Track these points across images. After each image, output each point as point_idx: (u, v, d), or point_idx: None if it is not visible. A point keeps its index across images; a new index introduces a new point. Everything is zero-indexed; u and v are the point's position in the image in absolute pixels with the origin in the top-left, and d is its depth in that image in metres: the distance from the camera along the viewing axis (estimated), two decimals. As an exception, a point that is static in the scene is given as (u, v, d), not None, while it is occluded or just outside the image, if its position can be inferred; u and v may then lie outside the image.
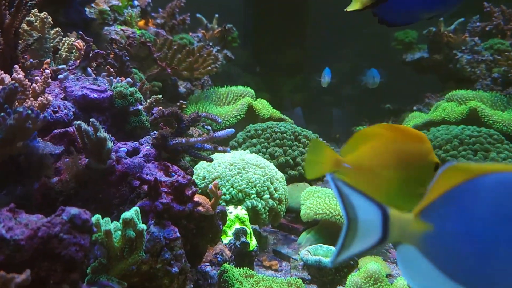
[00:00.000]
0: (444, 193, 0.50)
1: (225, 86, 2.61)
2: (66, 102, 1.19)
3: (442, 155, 1.94)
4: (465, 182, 0.49)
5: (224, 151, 1.11)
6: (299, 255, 1.43)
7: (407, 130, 0.82)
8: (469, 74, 2.57)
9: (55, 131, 1.02)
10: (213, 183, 1.03)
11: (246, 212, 1.48)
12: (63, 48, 1.48)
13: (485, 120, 2.13)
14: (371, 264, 1.27)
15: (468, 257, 0.48)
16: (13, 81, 0.84)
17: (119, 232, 0.78)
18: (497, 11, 2.75)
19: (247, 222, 1.46)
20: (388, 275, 1.47)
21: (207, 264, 1.26)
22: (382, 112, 3.52)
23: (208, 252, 1.29)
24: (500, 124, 2.11)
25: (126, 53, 1.71)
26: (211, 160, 1.12)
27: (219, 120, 1.16)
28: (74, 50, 1.50)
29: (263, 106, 2.40)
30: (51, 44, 1.47)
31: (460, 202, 0.49)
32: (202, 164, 1.72)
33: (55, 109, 1.13)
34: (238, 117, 2.28)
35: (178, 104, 2.14)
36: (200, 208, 0.99)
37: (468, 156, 1.89)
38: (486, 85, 2.50)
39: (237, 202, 1.60)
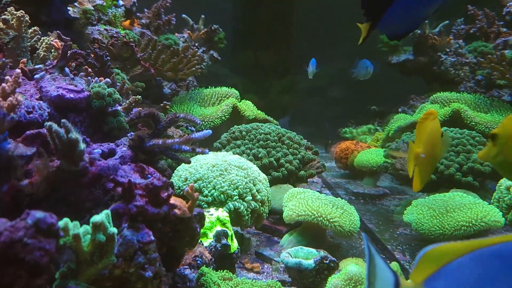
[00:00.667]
0: (443, 267, 0.54)
1: (210, 87, 2.60)
2: (41, 102, 1.17)
3: (425, 156, 1.94)
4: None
5: (203, 153, 1.09)
6: (280, 257, 1.42)
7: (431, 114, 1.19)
8: (453, 76, 2.58)
9: (27, 132, 1.00)
10: (189, 185, 1.02)
11: (228, 214, 1.47)
12: (41, 48, 1.45)
13: (468, 122, 2.14)
14: (351, 266, 1.26)
15: None
16: (-20, 81, 0.82)
17: (89, 236, 0.76)
18: (481, 14, 2.77)
19: (228, 224, 1.45)
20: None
21: (186, 267, 1.25)
22: (367, 113, 3.53)
23: (188, 255, 1.28)
24: (482, 126, 2.12)
25: (107, 53, 1.69)
26: (188, 162, 1.10)
27: (198, 121, 1.14)
28: (52, 50, 1.47)
29: (248, 107, 2.39)
30: (29, 43, 1.44)
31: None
32: (184, 165, 1.70)
33: (29, 110, 1.11)
34: (223, 118, 2.27)
35: (161, 105, 2.12)
36: (176, 210, 0.97)
37: (451, 157, 1.90)
38: (469, 87, 2.52)
39: (219, 204, 1.58)
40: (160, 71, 2.24)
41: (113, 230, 0.76)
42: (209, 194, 1.59)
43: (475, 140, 1.94)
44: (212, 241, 1.39)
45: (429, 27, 2.95)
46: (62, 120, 0.88)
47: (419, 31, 2.91)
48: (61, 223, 0.72)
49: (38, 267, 0.65)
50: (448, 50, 2.72)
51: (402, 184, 2.34)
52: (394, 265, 1.08)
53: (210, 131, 1.02)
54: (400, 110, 2.95)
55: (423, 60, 2.90)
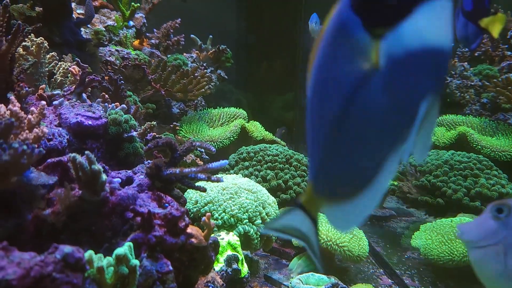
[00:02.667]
0: None
1: (218, 107, 2.63)
2: (60, 129, 1.20)
3: (432, 180, 1.96)
4: None
5: (218, 181, 1.12)
6: (290, 282, 1.43)
7: None
8: (459, 99, 2.61)
9: (49, 160, 1.02)
10: (206, 215, 1.04)
11: (238, 238, 1.49)
12: (58, 73, 1.48)
13: (474, 145, 2.16)
14: (362, 293, 1.27)
15: None
16: (8, 115, 0.84)
17: (112, 268, 0.78)
18: (485, 38, 2.81)
19: (239, 249, 1.46)
20: (379, 304, 1.47)
21: (199, 292, 1.26)
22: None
23: (200, 281, 1.29)
24: (488, 150, 2.14)
25: (121, 77, 1.73)
26: (204, 190, 1.12)
27: (213, 150, 1.17)
28: (69, 75, 1.51)
29: (256, 128, 2.42)
30: (47, 69, 1.48)
31: None
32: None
33: (49, 137, 1.13)
34: (232, 138, 2.29)
35: (171, 125, 2.15)
36: (193, 240, 0.99)
37: (458, 181, 1.92)
38: (475, 110, 2.55)
39: (229, 227, 1.60)
40: (170, 92, 2.27)
41: (136, 262, 0.78)
42: (220, 217, 1.61)
43: (482, 164, 1.95)
44: (223, 266, 1.40)
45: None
46: (86, 152, 0.90)
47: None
48: (86, 255, 0.74)
49: (66, 301, 0.67)
50: (453, 72, 2.76)
51: (409, 207, 2.35)
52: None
53: (226, 162, 1.04)
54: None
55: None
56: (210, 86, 2.57)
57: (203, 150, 2.18)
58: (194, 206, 1.64)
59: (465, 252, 1.55)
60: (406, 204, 2.22)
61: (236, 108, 2.58)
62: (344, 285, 1.34)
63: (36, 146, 0.83)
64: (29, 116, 0.93)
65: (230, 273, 1.38)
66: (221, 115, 2.53)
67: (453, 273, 1.66)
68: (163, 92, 2.22)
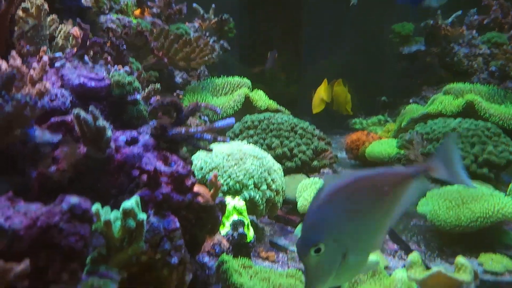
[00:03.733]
0: None
1: (221, 76, 2.59)
2: (63, 90, 1.17)
3: (439, 148, 1.94)
4: None
5: (224, 141, 1.10)
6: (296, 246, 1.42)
7: None
8: (466, 68, 2.57)
9: (52, 119, 1.00)
10: (213, 173, 1.02)
11: (244, 203, 1.48)
12: (59, 36, 1.45)
13: (482, 114, 2.13)
14: (369, 255, 1.27)
15: None
16: (11, 68, 0.82)
17: (119, 222, 0.77)
18: (495, 4, 2.74)
19: (245, 213, 1.46)
20: (386, 267, 1.48)
21: (205, 254, 1.26)
22: (377, 105, 3.52)
23: (206, 243, 1.29)
24: (497, 118, 2.11)
25: (123, 42, 1.69)
26: (210, 150, 1.11)
27: (218, 111, 1.15)
28: (70, 38, 1.47)
29: (260, 97, 2.39)
30: (47, 32, 1.44)
31: None
32: (199, 155, 1.71)
33: (52, 98, 1.11)
34: (235, 108, 2.27)
35: (174, 94, 2.12)
36: (199, 198, 0.98)
37: (466, 149, 1.90)
38: (483, 79, 2.51)
39: (234, 193, 1.59)
40: (173, 60, 2.24)
41: (143, 216, 0.77)
42: (225, 183, 1.60)
43: (490, 132, 1.93)
44: (229, 230, 1.40)
45: (441, 17, 2.92)
46: (90, 108, 0.88)
47: (431, 22, 2.89)
48: (93, 209, 0.73)
49: (73, 252, 0.66)
50: (461, 41, 2.70)
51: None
52: (416, 255, 1.08)
53: (233, 119, 1.02)
54: (411, 101, 2.94)
55: (435, 51, 2.89)
56: (213, 55, 2.52)
57: (206, 118, 2.16)
58: (199, 172, 1.63)
59: (472, 217, 1.54)
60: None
61: (240, 77, 2.55)
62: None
63: (39, 99, 0.81)
64: (31, 71, 0.91)
65: (236, 237, 1.38)
66: (224, 85, 2.50)
67: (460, 239, 1.65)
68: (166, 60, 2.18)
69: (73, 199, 0.67)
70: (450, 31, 2.80)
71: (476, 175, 1.83)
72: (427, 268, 1.08)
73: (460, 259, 1.03)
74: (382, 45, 3.88)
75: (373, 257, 1.24)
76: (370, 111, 3.50)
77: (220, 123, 1.02)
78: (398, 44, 3.30)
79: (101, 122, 0.88)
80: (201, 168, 1.63)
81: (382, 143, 2.43)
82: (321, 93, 2.63)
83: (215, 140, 1.09)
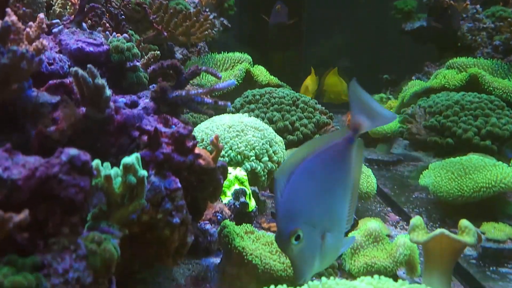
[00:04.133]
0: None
1: (222, 52, 2.56)
2: (61, 55, 1.15)
3: (442, 120, 1.92)
4: None
5: (225, 106, 1.09)
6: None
7: None
8: (470, 42, 2.53)
9: (50, 81, 0.99)
10: (214, 135, 1.01)
11: (245, 173, 1.47)
12: (56, 4, 1.43)
13: (486, 87, 2.11)
14: (371, 223, 1.26)
15: None
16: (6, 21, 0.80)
17: (119, 179, 0.75)
18: (500, -22, 2.70)
19: (246, 183, 1.45)
20: (388, 235, 1.47)
21: (207, 222, 1.25)
22: (379, 82, 3.49)
23: (208, 211, 1.28)
24: (500, 91, 2.09)
25: (122, 12, 1.66)
26: (211, 114, 1.09)
27: (219, 75, 1.13)
28: (68, 6, 1.45)
29: (261, 72, 2.36)
30: (44, 0, 1.42)
31: None
32: (200, 127, 1.70)
33: (50, 61, 1.09)
34: (236, 83, 2.24)
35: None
36: (201, 161, 0.97)
37: (469, 121, 1.88)
38: (486, 53, 2.48)
39: (235, 164, 1.58)
40: (172, 34, 2.20)
41: (144, 172, 0.76)
42: (226, 154, 1.59)
43: (493, 104, 1.91)
44: (231, 199, 1.39)
45: (445, -8, 2.87)
46: (88, 65, 0.87)
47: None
48: (93, 164, 0.71)
49: (73, 204, 0.65)
50: (464, 15, 2.66)
51: (416, 150, 2.32)
52: (418, 218, 1.08)
53: (234, 81, 1.00)
54: (414, 77, 2.91)
55: (438, 26, 2.84)
56: (213, 31, 2.49)
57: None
58: (200, 144, 1.62)
59: (474, 188, 1.53)
60: (413, 147, 2.20)
61: (241, 53, 2.52)
62: (354, 216, 1.33)
63: (36, 56, 0.79)
64: (27, 29, 0.89)
65: (237, 206, 1.37)
66: (225, 60, 2.47)
67: (462, 210, 1.64)
68: (166, 34, 2.15)
69: (72, 151, 0.66)
70: (453, 5, 2.76)
71: (479, 148, 1.82)
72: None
73: (464, 222, 1.02)
74: (384, 22, 3.83)
75: (375, 223, 1.23)
76: (373, 89, 3.48)
77: (221, 85, 1.00)
78: (401, 20, 3.25)
79: (100, 80, 0.86)
80: (202, 140, 1.62)
81: (384, 119, 2.41)
82: (308, 82, 2.60)
83: (216, 104, 1.08)
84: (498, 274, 1.26)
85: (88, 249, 0.67)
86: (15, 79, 0.74)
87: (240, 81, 2.26)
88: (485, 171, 1.55)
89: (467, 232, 1.00)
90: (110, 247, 0.69)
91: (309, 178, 0.71)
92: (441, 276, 1.02)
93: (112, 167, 0.78)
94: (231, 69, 2.43)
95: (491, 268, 1.29)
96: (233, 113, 2.08)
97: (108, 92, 0.88)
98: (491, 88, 2.09)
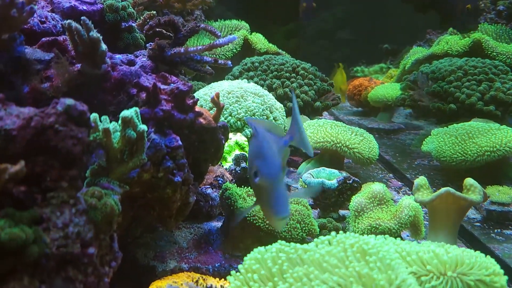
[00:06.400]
0: None
1: (219, 20, 2.50)
2: (53, 14, 1.11)
3: (445, 86, 1.89)
4: None
5: (225, 65, 1.05)
6: (300, 182, 1.40)
7: None
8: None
9: (43, 39, 0.95)
10: (215, 93, 0.97)
11: (246, 139, 1.44)
12: (47, -37, 1.36)
13: (489, 52, 2.07)
14: (375, 185, 1.24)
15: None
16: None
17: (118, 133, 0.73)
18: None
19: (247, 149, 1.42)
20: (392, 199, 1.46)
21: (208, 186, 1.23)
22: (379, 52, 3.44)
23: (209, 175, 1.26)
24: (504, 56, 2.05)
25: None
26: (212, 73, 1.06)
27: (219, 33, 1.08)
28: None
29: (259, 40, 2.31)
30: (34, -41, 1.36)
31: None
32: (199, 93, 1.66)
33: (42, 19, 1.05)
34: (234, 50, 2.20)
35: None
36: (201, 119, 0.94)
37: (472, 87, 1.85)
38: (490, 19, 2.42)
39: (235, 130, 1.55)
40: (168, 1, 2.14)
41: (143, 127, 0.73)
42: (226, 120, 1.56)
43: (497, 69, 1.87)
44: (231, 165, 1.36)
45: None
46: (82, 18, 0.83)
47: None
48: (91, 117, 0.68)
49: (71, 156, 0.62)
50: (468, -19, 2.60)
51: (418, 119, 2.30)
52: (422, 178, 1.06)
53: (235, 37, 0.96)
54: (415, 45, 2.86)
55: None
56: (210, -2, 2.42)
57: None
58: (199, 111, 1.58)
59: (478, 152, 1.51)
60: (416, 115, 2.17)
61: (238, 20, 2.46)
62: (357, 179, 1.32)
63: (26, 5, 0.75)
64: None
65: (238, 171, 1.34)
66: (222, 28, 2.41)
67: (465, 175, 1.62)
68: (161, 1, 2.09)
69: (69, 101, 0.62)
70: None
71: (482, 113, 1.79)
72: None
73: (469, 180, 1.01)
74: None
75: (379, 185, 1.21)
76: (372, 60, 3.43)
77: (222, 41, 0.96)
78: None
79: (95, 33, 0.82)
80: (201, 106, 1.58)
81: (385, 87, 2.38)
82: (338, 81, 2.48)
83: (216, 62, 1.04)
84: (503, 236, 1.25)
85: (88, 204, 0.65)
86: (5, 28, 0.70)
87: (238, 49, 2.21)
88: (489, 134, 1.53)
89: (472, 190, 0.99)
90: (111, 202, 0.67)
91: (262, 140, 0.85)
92: (446, 236, 1.01)
93: (112, 122, 0.75)
94: (229, 37, 2.38)
95: (495, 231, 1.28)
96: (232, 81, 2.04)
97: (104, 46, 0.84)
98: (495, 54, 2.05)
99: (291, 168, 1.82)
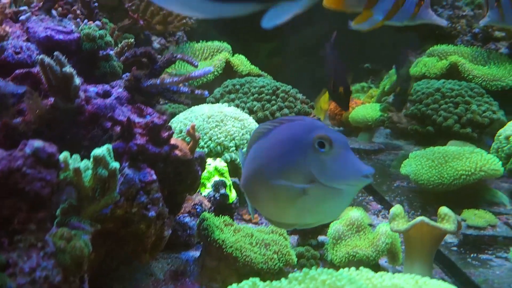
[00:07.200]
0: None
1: (201, 41, 2.51)
2: (29, 43, 1.10)
3: (422, 109, 1.92)
4: None
5: (202, 95, 1.05)
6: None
7: None
8: (450, 30, 2.54)
9: (17, 71, 0.94)
10: (191, 124, 0.98)
11: (225, 164, 1.44)
12: (24, -10, 1.36)
13: (466, 75, 2.12)
14: (353, 212, 1.25)
15: None
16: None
17: (90, 171, 0.72)
18: (478, -34, 2.70)
19: (227, 174, 1.42)
20: (370, 225, 1.47)
21: (186, 215, 1.22)
22: (361, 72, 3.48)
23: (187, 203, 1.25)
24: (480, 79, 2.10)
25: (94, 0, 1.60)
26: (188, 104, 1.06)
27: (196, 63, 1.09)
28: (37, -7, 1.38)
29: (241, 62, 2.33)
30: (11, -15, 1.35)
31: None
32: (179, 117, 1.66)
33: (17, 50, 1.04)
34: (216, 73, 2.20)
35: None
36: (177, 151, 0.94)
37: (449, 109, 1.88)
38: (466, 41, 2.48)
39: (215, 155, 1.55)
40: (149, 23, 2.15)
41: (115, 164, 0.72)
42: (205, 145, 1.56)
43: (473, 92, 1.92)
44: (211, 191, 1.36)
45: (424, -19, 2.87)
46: (55, 53, 0.82)
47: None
48: (60, 157, 0.68)
49: (39, 199, 0.62)
50: (444, 3, 2.67)
51: (398, 139, 2.33)
52: (398, 207, 1.07)
53: (211, 69, 0.97)
54: (395, 66, 2.91)
55: (418, 15, 2.84)
56: (191, 20, 2.44)
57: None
58: (179, 135, 1.58)
59: (455, 175, 1.53)
60: (395, 135, 2.20)
61: (220, 42, 2.47)
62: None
63: (-3, 42, 0.74)
64: (-11, 15, 0.84)
65: (217, 198, 1.34)
66: (204, 49, 2.42)
67: (443, 198, 1.65)
68: (142, 23, 2.09)
69: (37, 143, 0.62)
70: (433, -6, 2.75)
71: (459, 135, 1.83)
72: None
73: (443, 209, 1.02)
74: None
75: (357, 213, 1.22)
76: (355, 78, 3.47)
77: (197, 73, 0.96)
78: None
79: (68, 68, 0.82)
80: (181, 131, 1.59)
81: (366, 107, 2.41)
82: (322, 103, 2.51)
83: (192, 93, 1.05)
84: (479, 261, 1.27)
85: (57, 246, 0.64)
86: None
87: (220, 72, 2.22)
88: (464, 158, 1.55)
89: (446, 219, 1.00)
90: (81, 244, 0.66)
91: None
92: (422, 264, 1.02)
93: (84, 160, 0.74)
94: (210, 59, 2.39)
95: (471, 255, 1.30)
96: (212, 103, 2.05)
97: (78, 81, 0.84)
98: (471, 76, 2.10)
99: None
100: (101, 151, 0.71)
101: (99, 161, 0.71)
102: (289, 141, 0.67)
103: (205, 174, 1.39)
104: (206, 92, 1.06)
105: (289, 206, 0.67)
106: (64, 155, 0.69)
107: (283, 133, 0.69)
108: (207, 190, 1.36)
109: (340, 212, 0.71)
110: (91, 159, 0.71)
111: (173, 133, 0.92)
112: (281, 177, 0.66)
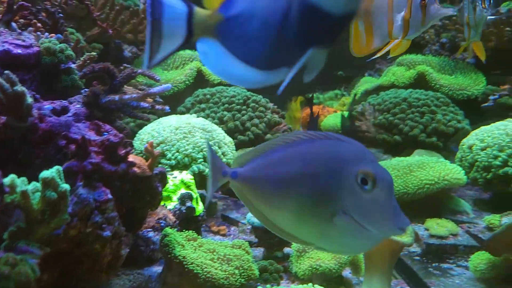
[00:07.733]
0: None
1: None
2: (-15, 58, 1.08)
3: (390, 118, 1.95)
4: None
5: (163, 110, 1.05)
6: (246, 218, 1.40)
7: None
8: (419, 39, 2.59)
9: (-31, 88, 0.92)
10: (148, 142, 0.97)
11: (192, 176, 1.44)
12: (-17, 2, 1.34)
13: (433, 84, 2.16)
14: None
15: (252, 39, 0.58)
16: None
17: (39, 194, 0.71)
18: (446, -23, 2.77)
19: (193, 187, 1.42)
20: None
21: (150, 229, 1.21)
22: (335, 79, 3.52)
23: (151, 218, 1.24)
24: (446, 89, 2.15)
25: (59, 10, 1.58)
26: (148, 119, 1.06)
27: (157, 78, 1.09)
28: (-3, 5, 1.36)
29: (213, 71, 2.32)
30: (-30, -3, 1.33)
31: None
32: (146, 129, 1.65)
33: (-29, 65, 1.02)
34: (187, 82, 2.20)
35: (121, 67, 2.02)
36: (135, 169, 0.93)
37: (416, 118, 1.92)
38: (434, 50, 2.54)
39: (183, 167, 1.54)
40: (119, 32, 2.13)
41: (66, 186, 0.71)
42: (173, 157, 1.55)
43: (439, 101, 1.96)
44: (177, 204, 1.35)
45: (395, -10, 2.92)
46: (5, 72, 0.81)
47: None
48: (6, 180, 0.67)
49: (-19, 225, 0.60)
50: (413, 13, 2.72)
51: (367, 147, 2.36)
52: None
53: (170, 86, 0.97)
54: (366, 74, 2.95)
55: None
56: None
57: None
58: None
59: (419, 185, 1.56)
60: (364, 144, 2.23)
61: (192, 50, 2.46)
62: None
63: None
64: None
65: (183, 211, 1.33)
66: (176, 58, 2.41)
67: (409, 207, 1.67)
68: (111, 32, 2.07)
69: (-22, 168, 0.60)
70: (403, 3, 2.81)
71: (425, 144, 1.86)
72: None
73: (402, 223, 1.03)
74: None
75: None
76: (328, 86, 3.50)
77: (156, 89, 0.96)
78: (354, 18, 3.28)
79: (19, 87, 0.80)
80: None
81: (336, 116, 2.44)
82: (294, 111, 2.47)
83: (153, 108, 1.04)
84: (440, 270, 1.29)
85: (1, 273, 0.63)
86: None
87: (191, 81, 2.21)
88: (428, 168, 1.58)
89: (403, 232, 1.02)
90: (26, 269, 0.65)
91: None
92: (381, 277, 1.03)
93: (32, 182, 0.73)
94: (181, 68, 2.38)
95: (433, 264, 1.32)
96: (183, 113, 2.04)
97: (30, 99, 0.83)
98: (438, 86, 2.15)
99: (242, 202, 1.82)
100: (49, 173, 0.70)
101: (48, 183, 0.70)
102: (333, 163, 0.62)
103: (171, 187, 1.38)
104: (167, 107, 1.06)
105: (310, 227, 0.63)
106: (10, 178, 0.67)
107: (329, 150, 0.63)
108: (173, 203, 1.35)
109: (361, 251, 0.66)
110: (40, 181, 0.70)
111: (130, 150, 0.91)
112: (311, 196, 0.62)
